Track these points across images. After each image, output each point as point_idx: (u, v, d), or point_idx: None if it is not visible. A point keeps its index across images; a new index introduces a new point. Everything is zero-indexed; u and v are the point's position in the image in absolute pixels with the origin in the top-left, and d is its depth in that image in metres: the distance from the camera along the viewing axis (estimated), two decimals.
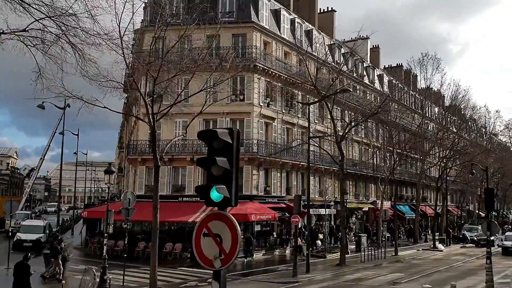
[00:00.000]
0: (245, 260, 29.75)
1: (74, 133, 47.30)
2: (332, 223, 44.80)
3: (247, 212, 30.69)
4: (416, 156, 53.88)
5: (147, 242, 30.84)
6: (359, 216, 51.26)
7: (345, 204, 43.44)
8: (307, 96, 38.90)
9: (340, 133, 31.49)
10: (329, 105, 30.20)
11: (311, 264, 29.38)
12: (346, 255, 35.61)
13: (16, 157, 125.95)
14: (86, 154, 61.43)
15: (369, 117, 31.39)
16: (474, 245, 47.27)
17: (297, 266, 24.16)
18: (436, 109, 57.02)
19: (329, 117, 38.16)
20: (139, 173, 36.79)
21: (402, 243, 50.06)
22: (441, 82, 50.00)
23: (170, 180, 35.85)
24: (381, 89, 56.22)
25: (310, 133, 29.41)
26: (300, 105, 41.00)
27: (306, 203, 39.13)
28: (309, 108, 29.52)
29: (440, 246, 44.59)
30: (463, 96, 52.18)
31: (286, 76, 36.19)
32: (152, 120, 18.64)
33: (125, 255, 22.44)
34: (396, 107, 47.09)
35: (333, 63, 41.72)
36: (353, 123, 32.04)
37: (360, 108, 35.62)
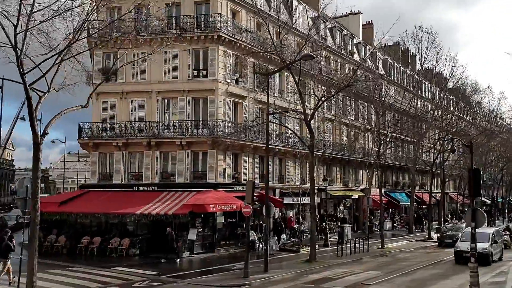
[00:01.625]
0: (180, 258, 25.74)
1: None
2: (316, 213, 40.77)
3: (206, 202, 26.85)
4: (412, 139, 49.74)
5: (94, 236, 27.19)
6: (348, 205, 47.26)
7: (326, 191, 39.96)
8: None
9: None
10: (296, 77, 26.04)
11: (278, 261, 25.84)
12: (327, 248, 32.15)
13: (12, 148, 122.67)
14: (65, 142, 57.63)
15: (341, 89, 27.25)
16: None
17: (248, 266, 20.28)
18: (431, 87, 52.61)
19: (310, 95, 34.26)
20: (91, 159, 33.01)
21: (397, 234, 46.18)
22: (437, 57, 45.53)
23: (126, 167, 31.99)
24: (375, 68, 51.85)
25: (271, 109, 25.38)
26: (277, 82, 36.98)
27: (288, 192, 35.78)
28: (267, 79, 25.52)
29: (435, 236, 40.52)
30: (461, 73, 47.73)
31: (257, 49, 32.06)
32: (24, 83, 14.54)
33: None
34: (387, 85, 42.86)
35: (316, 37, 37.52)
36: (323, 98, 27.82)
37: (335, 82, 31.46)
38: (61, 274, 20.72)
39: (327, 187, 42.40)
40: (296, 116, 29.77)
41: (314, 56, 23.15)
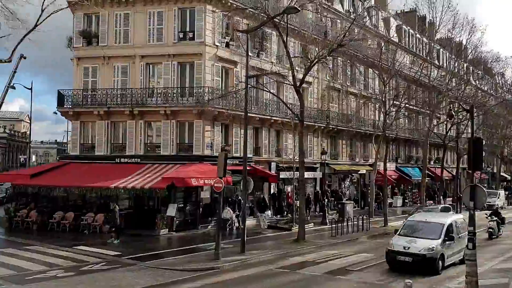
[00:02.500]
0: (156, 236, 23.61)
1: (27, 87, 41.69)
2: (318, 188, 38.38)
3: (187, 176, 24.63)
4: (425, 111, 46.48)
5: (68, 212, 25.32)
6: (355, 180, 44.61)
7: (328, 165, 37.47)
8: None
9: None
10: (283, 35, 23.20)
11: (264, 240, 23.62)
12: (325, 226, 29.75)
13: (28, 121, 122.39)
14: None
15: (333, 50, 24.31)
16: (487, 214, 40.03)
17: (219, 247, 18.05)
18: (448, 56, 48.87)
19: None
20: (72, 129, 31.00)
21: (407, 211, 43.41)
22: (453, 22, 41.78)
23: (109, 138, 29.87)
24: (387, 35, 48.30)
25: (251, 72, 22.85)
26: (274, 47, 34.20)
27: (283, 166, 33.35)
28: (247, 37, 22.84)
29: None
30: (479, 39, 43.95)
31: (246, 7, 29.18)
32: None
33: None
34: (398, 52, 39.51)
35: None
36: (315, 60, 24.95)
37: (329, 42, 28.48)
38: (9, 253, 18.81)
39: (331, 161, 39.97)
40: (286, 82, 26.83)
41: (299, 9, 20.19)
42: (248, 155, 31.20)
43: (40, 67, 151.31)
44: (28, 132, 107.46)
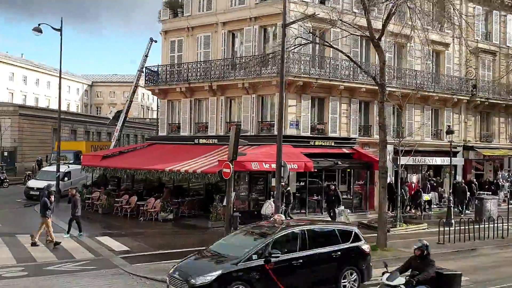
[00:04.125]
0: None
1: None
2: (459, 178, 30.23)
3: (247, 159, 20.36)
4: None
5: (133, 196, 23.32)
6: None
7: (474, 149, 29.07)
8: None
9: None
10: None
11: None
12: (448, 228, 22.48)
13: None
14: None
15: None
16: None
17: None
18: None
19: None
20: (161, 108, 29.03)
21: None
22: None
23: (193, 117, 27.17)
24: None
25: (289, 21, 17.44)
26: None
27: (398, 147, 26.74)
28: None
29: None
30: None
31: None
32: None
33: None
34: None
35: None
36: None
37: None
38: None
39: (479, 145, 31.43)
40: (357, 33, 19.97)
41: None
42: (350, 135, 25.85)
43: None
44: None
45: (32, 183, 28.84)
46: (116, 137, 36.72)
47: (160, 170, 21.43)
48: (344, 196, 24.66)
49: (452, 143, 29.99)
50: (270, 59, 23.99)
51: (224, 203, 20.76)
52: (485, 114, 32.49)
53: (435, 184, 30.24)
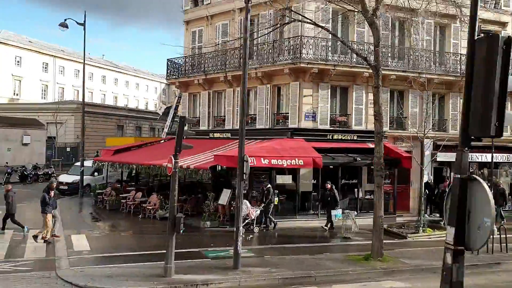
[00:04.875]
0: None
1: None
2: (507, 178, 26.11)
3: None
4: None
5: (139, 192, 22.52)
6: None
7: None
8: None
9: None
10: None
11: (320, 251, 15.88)
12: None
13: None
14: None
15: None
16: None
17: (170, 259, 11.88)
18: None
19: None
20: (182, 101, 27.97)
21: None
22: None
23: (211, 110, 25.84)
24: None
25: None
26: None
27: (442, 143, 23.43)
28: None
29: None
30: None
31: None
32: None
33: None
34: None
35: None
36: None
37: None
38: None
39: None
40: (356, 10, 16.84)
41: None
42: (384, 130, 22.98)
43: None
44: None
45: (62, 177, 29.19)
46: (166, 132, 36.36)
47: (158, 165, 20.29)
48: (368, 196, 22.04)
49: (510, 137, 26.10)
50: (285, 46, 22.05)
51: (220, 201, 19.32)
52: None
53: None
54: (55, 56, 62.94)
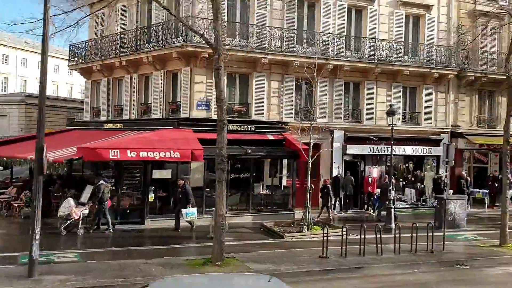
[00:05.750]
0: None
1: None
2: (443, 171, 24.54)
3: (105, 146, 16.75)
4: None
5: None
6: None
7: (463, 136, 23.31)
8: None
9: None
10: None
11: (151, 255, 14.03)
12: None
13: None
14: None
15: None
16: None
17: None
18: None
19: None
20: (85, 90, 26.05)
21: None
22: None
23: (110, 98, 23.91)
24: None
25: None
26: None
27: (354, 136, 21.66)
28: None
29: None
30: None
31: None
32: None
33: None
34: None
35: None
36: None
37: None
38: None
39: (475, 131, 25.46)
40: None
41: None
42: (286, 119, 21.30)
43: None
44: None
45: None
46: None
47: (23, 158, 18.40)
48: (267, 192, 20.34)
49: (435, 128, 24.58)
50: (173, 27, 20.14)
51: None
52: (486, 94, 26.19)
53: (413, 179, 24.89)
54: None
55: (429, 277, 12.84)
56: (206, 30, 18.40)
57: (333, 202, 20.16)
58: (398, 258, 14.26)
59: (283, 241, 16.06)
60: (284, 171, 21.41)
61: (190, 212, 16.28)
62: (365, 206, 22.82)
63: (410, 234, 14.66)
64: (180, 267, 12.31)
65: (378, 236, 14.45)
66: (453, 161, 17.67)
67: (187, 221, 16.78)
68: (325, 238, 13.78)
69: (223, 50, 13.22)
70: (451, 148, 16.51)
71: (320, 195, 19.91)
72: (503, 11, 18.75)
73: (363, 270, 13.07)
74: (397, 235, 14.72)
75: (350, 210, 22.73)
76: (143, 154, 16.79)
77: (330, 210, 19.43)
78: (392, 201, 21.87)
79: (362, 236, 14.10)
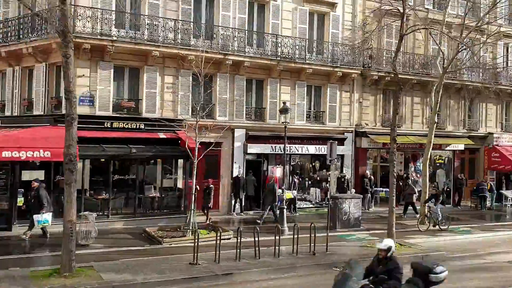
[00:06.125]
0: None
1: None
2: (345, 171, 24.37)
3: None
4: None
5: None
6: (445, 162, 28.47)
7: (366, 135, 23.21)
8: None
9: None
10: None
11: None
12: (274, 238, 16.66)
13: None
14: None
15: None
16: None
17: None
18: None
19: None
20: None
21: None
22: None
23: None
24: None
25: None
26: None
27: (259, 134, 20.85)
28: None
29: None
30: None
31: None
32: None
33: None
34: None
35: None
36: None
37: None
38: None
39: (378, 130, 25.44)
40: None
41: None
42: (182, 117, 20.18)
43: None
44: None
45: None
46: None
47: None
48: (153, 194, 19.15)
49: (338, 127, 24.32)
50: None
51: None
52: (390, 93, 26.26)
53: (318, 178, 24.55)
54: None
55: (299, 281, 12.18)
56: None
57: (210, 204, 19.27)
58: (276, 261, 13.56)
59: (160, 247, 14.95)
60: (180, 172, 20.34)
61: (42, 220, 14.68)
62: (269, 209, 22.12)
63: (297, 236, 14.04)
64: (21, 280, 10.93)
65: (268, 238, 13.76)
66: (335, 159, 17.27)
67: (41, 228, 15.21)
68: (196, 243, 12.81)
69: (71, 36, 11.93)
70: (334, 146, 16.07)
71: (202, 195, 19.05)
72: (393, 8, 18.57)
73: (232, 277, 12.22)
74: (289, 237, 14.19)
75: (252, 212, 21.99)
76: (6, 154, 15.20)
77: (208, 212, 18.85)
78: (293, 200, 21.45)
79: (257, 239, 13.41)
